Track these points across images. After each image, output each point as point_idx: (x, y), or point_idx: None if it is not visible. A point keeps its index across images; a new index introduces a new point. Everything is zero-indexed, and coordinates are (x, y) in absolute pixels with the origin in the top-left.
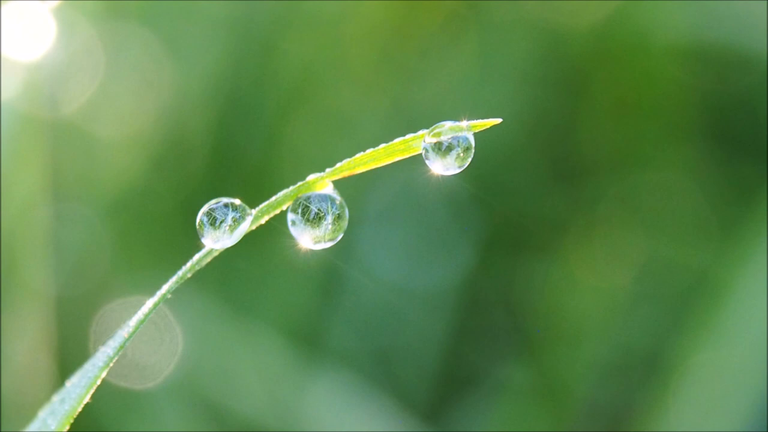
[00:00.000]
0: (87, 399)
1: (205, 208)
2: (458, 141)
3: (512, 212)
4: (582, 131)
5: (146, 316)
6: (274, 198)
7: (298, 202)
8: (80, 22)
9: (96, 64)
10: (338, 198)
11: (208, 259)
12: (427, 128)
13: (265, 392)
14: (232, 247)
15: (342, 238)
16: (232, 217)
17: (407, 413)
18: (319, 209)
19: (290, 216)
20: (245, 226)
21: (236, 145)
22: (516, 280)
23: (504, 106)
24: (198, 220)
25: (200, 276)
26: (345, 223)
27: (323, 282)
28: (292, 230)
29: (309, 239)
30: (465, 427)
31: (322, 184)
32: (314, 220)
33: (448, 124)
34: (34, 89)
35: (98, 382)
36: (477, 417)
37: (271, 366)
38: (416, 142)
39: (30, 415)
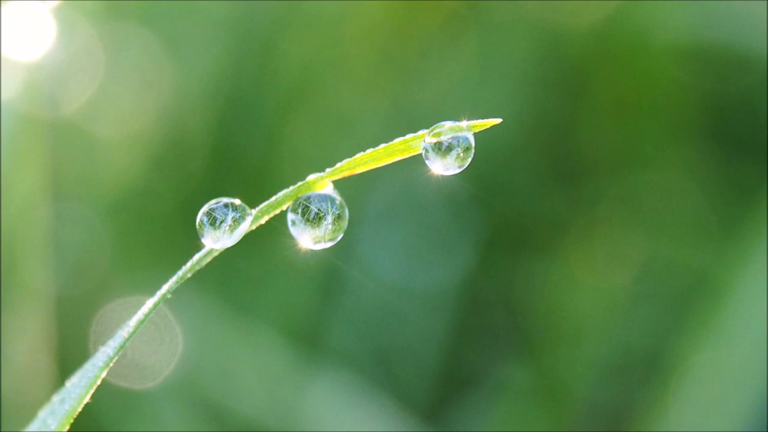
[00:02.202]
0: (87, 399)
1: (205, 208)
2: (458, 141)
3: (512, 212)
4: (582, 131)
5: (146, 316)
6: (274, 198)
7: (298, 202)
8: (80, 22)
9: (96, 64)
10: (338, 198)
11: (208, 259)
12: (427, 128)
13: (265, 392)
14: (232, 247)
15: (342, 238)
16: (232, 217)
17: (407, 413)
18: (319, 209)
19: (290, 216)
20: (245, 226)
21: (236, 145)
22: (516, 280)
23: (504, 106)
24: (198, 220)
25: (200, 276)
26: (345, 223)
27: (323, 282)
28: (292, 230)
29: (309, 239)
30: (465, 427)
31: (322, 184)
32: (314, 220)
33: (448, 124)
34: (34, 89)
35: (98, 382)
36: (477, 417)
37: (271, 366)
38: (416, 142)
39: (30, 415)
